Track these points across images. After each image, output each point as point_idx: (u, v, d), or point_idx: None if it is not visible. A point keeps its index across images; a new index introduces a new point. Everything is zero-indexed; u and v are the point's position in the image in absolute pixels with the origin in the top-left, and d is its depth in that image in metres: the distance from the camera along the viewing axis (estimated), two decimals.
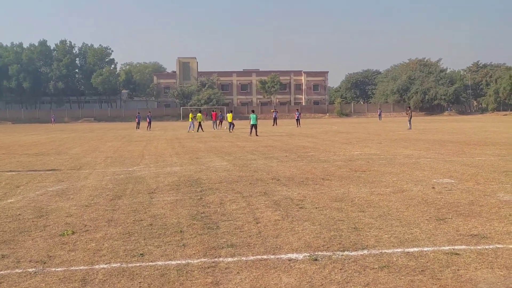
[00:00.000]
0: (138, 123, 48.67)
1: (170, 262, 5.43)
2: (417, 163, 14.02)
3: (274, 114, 53.54)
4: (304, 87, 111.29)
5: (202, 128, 40.79)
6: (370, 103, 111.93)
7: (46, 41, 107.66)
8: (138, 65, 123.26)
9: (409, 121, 37.70)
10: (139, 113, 52.52)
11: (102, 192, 10.08)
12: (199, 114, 41.68)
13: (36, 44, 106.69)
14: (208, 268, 5.21)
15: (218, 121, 47.01)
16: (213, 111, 47.13)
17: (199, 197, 9.26)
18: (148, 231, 6.76)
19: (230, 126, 38.18)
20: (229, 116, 38.92)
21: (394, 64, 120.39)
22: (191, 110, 43.55)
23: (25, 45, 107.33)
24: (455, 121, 59.61)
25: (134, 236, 6.54)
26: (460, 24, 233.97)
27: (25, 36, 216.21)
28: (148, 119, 47.42)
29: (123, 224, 7.23)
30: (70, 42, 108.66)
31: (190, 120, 41.55)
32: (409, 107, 43.80)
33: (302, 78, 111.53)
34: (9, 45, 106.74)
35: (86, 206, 8.67)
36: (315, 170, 12.90)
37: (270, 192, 9.66)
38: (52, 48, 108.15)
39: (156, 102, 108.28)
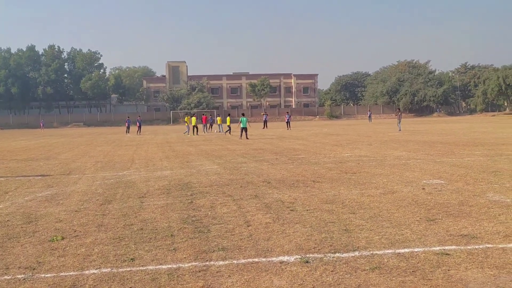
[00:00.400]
0: (128, 128, 48.50)
1: (161, 266, 5.40)
2: (407, 164, 14.08)
3: (264, 117, 53.52)
4: (294, 89, 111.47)
5: (197, 132, 40.81)
6: (360, 105, 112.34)
7: (34, 46, 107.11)
8: (127, 69, 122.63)
9: (399, 123, 37.82)
10: (128, 117, 52.46)
11: (92, 197, 10.02)
12: (193, 118, 41.62)
13: (24, 49, 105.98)
14: (199, 272, 5.19)
15: (208, 125, 47.02)
16: (203, 114, 47.19)
17: (189, 200, 9.24)
18: (138, 236, 6.73)
19: (228, 130, 38.14)
20: (227, 120, 38.87)
21: (383, 66, 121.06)
22: (187, 114, 43.76)
23: (13, 50, 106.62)
24: (444, 122, 59.98)
25: (124, 240, 6.50)
26: (449, 26, 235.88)
27: (13, 41, 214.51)
28: (138, 123, 47.32)
29: (113, 229, 7.19)
30: (59, 47, 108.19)
31: (186, 124, 41.66)
32: (399, 109, 43.90)
33: (292, 81, 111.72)
34: None
35: (76, 211, 8.61)
36: (306, 173, 12.91)
37: (261, 195, 9.66)
38: (40, 53, 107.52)
39: (146, 106, 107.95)
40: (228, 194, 9.82)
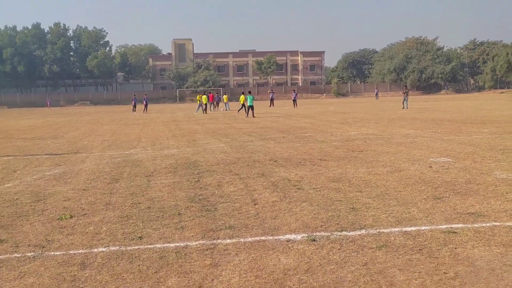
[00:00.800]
0: (135, 106, 48.52)
1: (168, 244, 5.45)
2: (414, 142, 14.06)
3: (270, 95, 53.40)
4: (300, 67, 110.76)
5: (206, 110, 40.84)
6: (367, 82, 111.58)
7: (40, 24, 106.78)
8: (133, 47, 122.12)
9: (405, 100, 37.51)
10: (135, 95, 52.33)
11: (99, 176, 10.07)
12: (204, 96, 41.57)
13: (30, 27, 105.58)
14: (207, 250, 5.23)
15: (215, 103, 46.96)
16: (210, 92, 47.05)
17: (196, 179, 9.25)
18: (146, 214, 6.77)
19: (241, 108, 37.49)
20: (241, 98, 38.14)
21: (390, 43, 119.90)
22: (200, 92, 43.75)
23: (18, 28, 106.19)
24: (452, 99, 59.57)
25: (132, 219, 6.55)
26: (457, 1, 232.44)
27: (18, 19, 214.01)
28: (144, 101, 47.31)
29: (121, 207, 7.24)
30: (64, 24, 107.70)
31: (198, 102, 41.56)
32: (405, 86, 43.64)
33: (299, 58, 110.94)
34: (2, 29, 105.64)
35: (84, 190, 8.67)
36: (313, 151, 12.92)
37: (268, 173, 9.66)
38: (46, 31, 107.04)
39: (152, 84, 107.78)
40: (234, 173, 9.82)
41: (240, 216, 6.54)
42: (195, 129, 22.76)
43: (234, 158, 12.12)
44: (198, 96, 43.14)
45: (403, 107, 36.51)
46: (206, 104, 40.89)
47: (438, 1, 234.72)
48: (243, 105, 37.49)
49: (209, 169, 10.46)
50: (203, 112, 39.78)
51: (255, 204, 7.14)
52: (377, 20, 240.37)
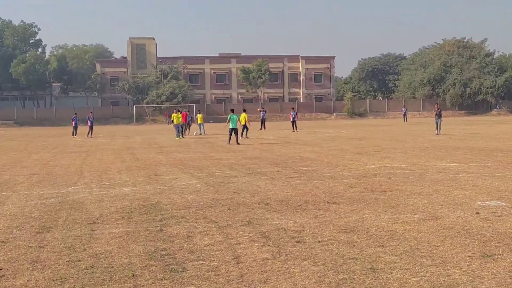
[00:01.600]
0: (75, 128, 48.44)
1: None
2: (455, 180, 14.13)
3: (261, 114, 53.49)
4: (302, 77, 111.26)
5: (183, 133, 41.33)
6: (391, 98, 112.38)
7: None
8: (75, 48, 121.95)
9: (438, 123, 37.51)
10: (76, 114, 52.28)
11: (24, 223, 9.95)
12: (178, 115, 41.27)
13: None
14: None
15: (187, 124, 46.94)
16: (179, 110, 46.68)
17: (158, 228, 9.27)
18: (87, 276, 6.69)
19: (243, 131, 37.71)
20: (242, 117, 38.01)
21: (423, 46, 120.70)
22: (175, 110, 43.66)
23: None
24: (506, 122, 60.00)
25: (68, 282, 6.46)
26: None
27: None
28: (89, 122, 47.27)
29: (54, 266, 7.15)
30: None
31: (173, 122, 41.38)
32: (437, 104, 43.70)
33: (300, 65, 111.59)
34: None
35: (2, 242, 8.55)
36: (318, 191, 12.95)
37: (256, 220, 9.68)
38: None
39: (100, 99, 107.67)
40: (211, 220, 9.83)
41: (218, 279, 6.47)
42: (157, 159, 22.73)
43: (210, 199, 12.10)
44: (173, 114, 42.75)
45: (437, 132, 36.74)
46: (181, 126, 40.88)
47: None
48: (245, 127, 37.51)
49: (176, 214, 10.45)
50: (180, 137, 39.69)
51: (238, 263, 7.09)
52: (404, 15, 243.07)
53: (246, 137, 37.34)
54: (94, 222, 9.87)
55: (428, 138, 33.21)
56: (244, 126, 37.98)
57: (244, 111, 40.13)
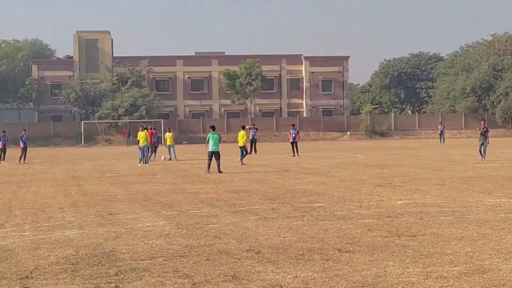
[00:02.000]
0: (3, 151, 45.56)
1: None
2: (508, 221, 13.08)
3: (251, 132, 51.34)
4: (306, 84, 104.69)
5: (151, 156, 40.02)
6: (424, 112, 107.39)
7: None
8: (3, 44, 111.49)
9: (483, 144, 34.71)
10: (4, 132, 49.97)
11: None
12: (143, 133, 38.74)
13: None
14: None
15: (153, 146, 44.43)
16: (145, 128, 43.79)
17: (113, 285, 8.66)
18: None
19: (242, 154, 35.77)
20: (240, 135, 36.10)
21: (465, 44, 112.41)
22: (141, 127, 41.11)
23: None
24: None
25: None
26: None
27: None
28: (21, 143, 44.79)
29: None
30: None
31: (140, 143, 38.63)
32: (484, 120, 41.00)
33: (303, 68, 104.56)
34: None
35: None
36: (326, 235, 12.03)
37: (244, 274, 8.95)
38: None
39: (36, 111, 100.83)
40: (183, 273, 9.14)
41: None
42: (113, 193, 20.89)
43: (183, 246, 11.26)
44: (139, 133, 39.77)
45: (482, 157, 34.14)
46: (147, 147, 38.26)
47: None
48: (244, 148, 36.01)
49: (136, 266, 9.64)
50: (143, 163, 37.24)
51: None
52: (439, 4, 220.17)
53: (242, 163, 35.07)
54: (27, 277, 9.20)
55: (472, 165, 31.03)
56: (243, 149, 35.95)
57: (243, 128, 37.97)
